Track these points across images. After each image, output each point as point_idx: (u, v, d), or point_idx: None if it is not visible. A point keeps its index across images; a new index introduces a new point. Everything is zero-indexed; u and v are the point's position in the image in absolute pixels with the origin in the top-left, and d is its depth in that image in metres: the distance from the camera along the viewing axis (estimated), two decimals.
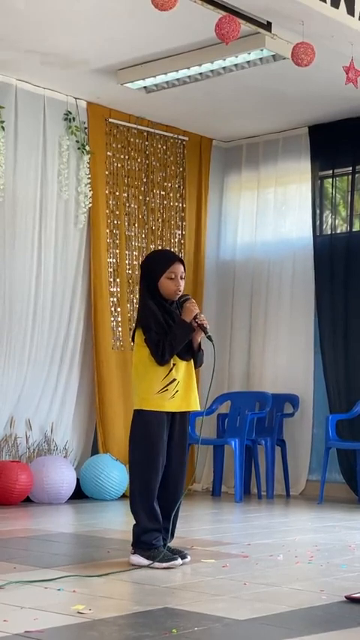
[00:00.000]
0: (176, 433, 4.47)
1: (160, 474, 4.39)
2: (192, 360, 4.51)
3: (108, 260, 8.02)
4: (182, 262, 4.49)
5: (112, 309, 8.01)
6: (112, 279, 8.04)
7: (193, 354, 4.50)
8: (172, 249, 8.44)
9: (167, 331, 4.37)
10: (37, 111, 7.58)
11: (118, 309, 8.05)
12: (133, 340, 4.52)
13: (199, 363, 4.56)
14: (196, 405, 4.51)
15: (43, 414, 7.58)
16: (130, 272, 8.18)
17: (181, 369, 4.44)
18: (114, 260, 8.07)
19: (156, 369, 4.38)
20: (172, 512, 4.43)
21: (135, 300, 8.00)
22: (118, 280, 8.08)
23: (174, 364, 4.40)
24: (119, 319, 8.04)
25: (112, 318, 8.01)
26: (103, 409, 7.85)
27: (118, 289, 8.07)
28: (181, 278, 4.45)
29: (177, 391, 4.41)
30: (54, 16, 6.22)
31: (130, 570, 4.22)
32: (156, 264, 4.50)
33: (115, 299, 8.04)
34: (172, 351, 4.35)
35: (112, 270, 8.05)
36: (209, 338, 4.44)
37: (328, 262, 8.28)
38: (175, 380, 4.40)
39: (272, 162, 8.79)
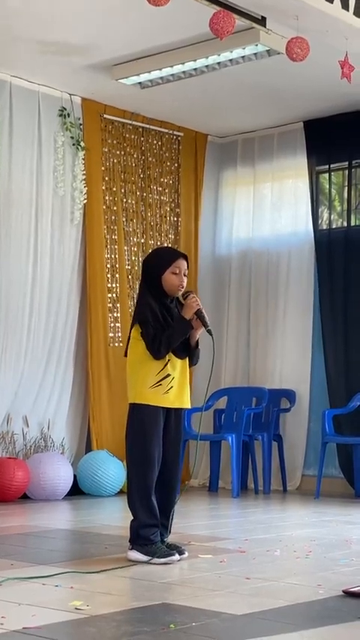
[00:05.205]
0: (171, 430, 4.47)
1: (156, 468, 4.39)
2: (187, 359, 4.52)
3: (106, 256, 8.01)
4: (186, 259, 4.51)
5: (111, 305, 8.01)
6: (110, 275, 8.04)
7: (189, 351, 4.50)
8: (168, 245, 8.44)
9: (164, 327, 4.38)
10: (32, 107, 7.57)
11: (117, 305, 8.04)
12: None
13: (195, 360, 4.56)
14: (187, 404, 4.52)
15: (40, 411, 7.58)
16: (129, 267, 8.17)
17: (177, 366, 4.45)
18: (112, 256, 8.07)
19: (150, 364, 4.39)
20: (169, 507, 4.44)
21: (136, 296, 7.99)
22: (117, 276, 8.07)
23: (169, 360, 4.41)
24: (117, 315, 8.03)
25: (110, 314, 8.01)
26: (97, 406, 7.85)
27: (117, 285, 8.06)
28: (185, 274, 4.46)
29: (171, 387, 4.41)
30: (48, 12, 6.21)
31: (127, 566, 4.22)
32: (160, 258, 4.51)
33: (113, 295, 8.04)
34: (168, 346, 4.36)
35: (110, 266, 8.05)
36: (209, 332, 4.45)
37: (327, 257, 8.29)
38: (169, 375, 4.41)
39: (268, 157, 8.79)
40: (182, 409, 4.52)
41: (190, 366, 4.55)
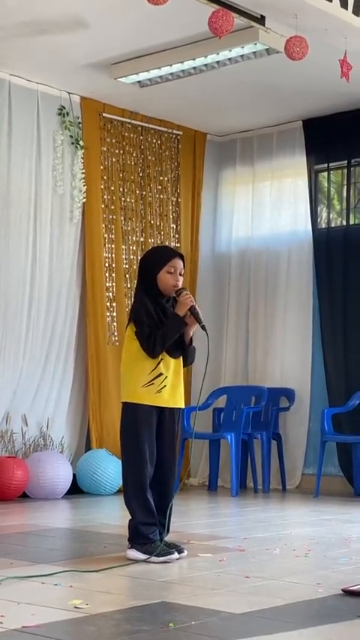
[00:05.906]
0: (166, 430, 4.46)
1: (150, 466, 4.38)
2: (181, 358, 4.51)
3: (104, 255, 8.01)
4: (182, 258, 4.50)
5: (108, 304, 8.01)
6: (107, 274, 8.03)
7: (183, 350, 4.49)
8: (168, 244, 8.44)
9: (159, 326, 4.38)
10: (31, 106, 7.56)
11: (114, 304, 8.04)
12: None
13: (190, 360, 4.55)
14: (181, 403, 4.51)
15: (39, 410, 7.58)
16: (127, 267, 8.17)
17: (170, 365, 4.44)
18: (110, 255, 8.07)
19: (143, 363, 4.38)
20: (167, 507, 4.43)
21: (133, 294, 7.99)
22: (113, 275, 8.07)
23: (161, 359, 4.40)
24: (114, 314, 8.03)
25: (108, 313, 8.01)
26: (96, 404, 7.85)
27: (114, 284, 8.06)
28: (180, 274, 4.45)
29: (164, 386, 4.40)
30: (47, 11, 6.20)
31: (126, 565, 4.22)
32: (156, 257, 4.50)
33: (110, 294, 8.04)
34: (163, 344, 4.35)
35: (107, 264, 8.05)
36: (203, 328, 4.44)
37: (326, 256, 8.29)
38: (162, 374, 4.40)
39: (267, 156, 8.79)
40: (176, 409, 4.51)
41: (184, 366, 4.54)
